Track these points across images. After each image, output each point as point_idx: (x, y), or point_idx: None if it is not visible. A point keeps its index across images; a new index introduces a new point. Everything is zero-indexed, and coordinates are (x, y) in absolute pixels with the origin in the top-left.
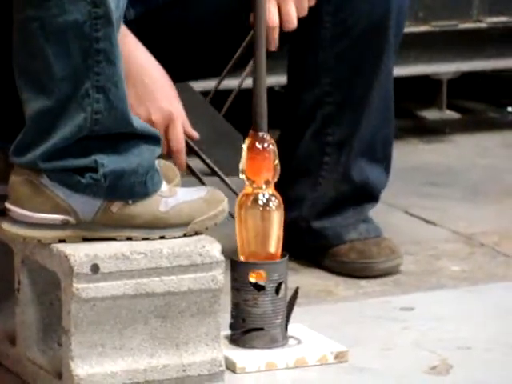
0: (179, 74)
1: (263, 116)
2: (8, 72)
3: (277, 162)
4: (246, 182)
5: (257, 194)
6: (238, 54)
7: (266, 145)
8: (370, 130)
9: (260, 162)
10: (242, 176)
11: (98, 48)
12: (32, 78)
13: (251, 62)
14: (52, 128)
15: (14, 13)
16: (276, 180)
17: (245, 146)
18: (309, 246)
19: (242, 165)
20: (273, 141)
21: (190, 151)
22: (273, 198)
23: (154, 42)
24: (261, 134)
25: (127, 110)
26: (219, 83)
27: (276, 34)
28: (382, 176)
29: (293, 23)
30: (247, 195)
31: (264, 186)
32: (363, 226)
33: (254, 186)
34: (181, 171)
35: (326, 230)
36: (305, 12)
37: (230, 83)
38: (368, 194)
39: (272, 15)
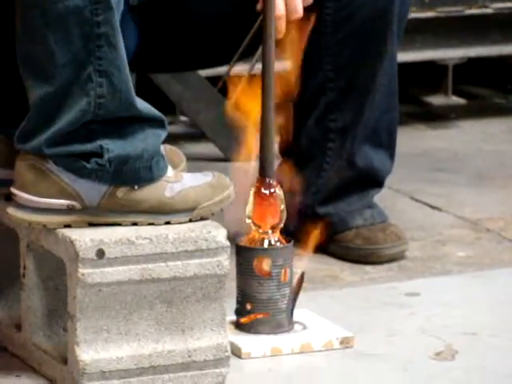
0: (184, 62)
1: (270, 162)
2: (11, 59)
3: (283, 207)
4: (253, 227)
5: (262, 240)
6: (244, 43)
7: (272, 190)
8: (374, 116)
9: (266, 208)
10: (248, 221)
11: (98, 33)
12: (34, 64)
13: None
14: (56, 113)
15: (16, 0)
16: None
17: (251, 192)
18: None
19: (249, 210)
20: (279, 186)
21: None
22: (278, 244)
23: (158, 29)
24: (267, 179)
25: (131, 93)
26: (229, 70)
27: (283, 24)
28: (387, 162)
29: (298, 13)
30: (253, 240)
31: (270, 231)
32: (368, 212)
33: (260, 231)
34: None
35: (331, 216)
36: (310, 1)
37: (239, 69)
38: (372, 180)
39: (278, 5)
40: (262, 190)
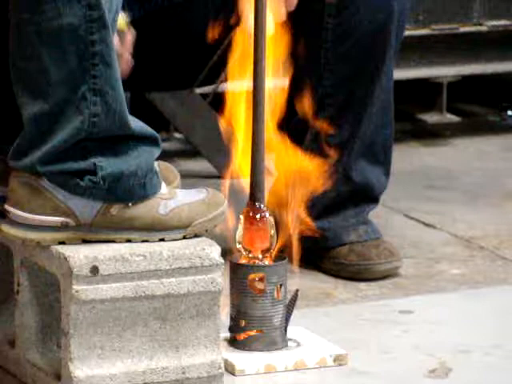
0: (178, 79)
1: (260, 187)
2: (6, 74)
3: (273, 232)
4: (243, 252)
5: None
6: (214, 57)
7: (262, 215)
8: (371, 132)
9: (256, 232)
10: (238, 246)
11: (93, 51)
12: (28, 81)
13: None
14: (50, 131)
15: (10, 16)
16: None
17: (242, 216)
18: (308, 246)
19: (239, 235)
20: (269, 211)
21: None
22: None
23: (151, 46)
24: (257, 204)
25: (125, 112)
26: (217, 86)
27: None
28: (382, 178)
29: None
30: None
31: (261, 256)
32: (363, 228)
33: (251, 255)
34: None
35: (325, 231)
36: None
37: (232, 86)
38: (368, 195)
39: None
40: (252, 215)
